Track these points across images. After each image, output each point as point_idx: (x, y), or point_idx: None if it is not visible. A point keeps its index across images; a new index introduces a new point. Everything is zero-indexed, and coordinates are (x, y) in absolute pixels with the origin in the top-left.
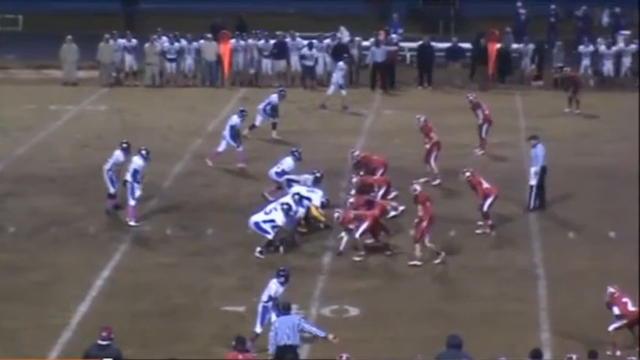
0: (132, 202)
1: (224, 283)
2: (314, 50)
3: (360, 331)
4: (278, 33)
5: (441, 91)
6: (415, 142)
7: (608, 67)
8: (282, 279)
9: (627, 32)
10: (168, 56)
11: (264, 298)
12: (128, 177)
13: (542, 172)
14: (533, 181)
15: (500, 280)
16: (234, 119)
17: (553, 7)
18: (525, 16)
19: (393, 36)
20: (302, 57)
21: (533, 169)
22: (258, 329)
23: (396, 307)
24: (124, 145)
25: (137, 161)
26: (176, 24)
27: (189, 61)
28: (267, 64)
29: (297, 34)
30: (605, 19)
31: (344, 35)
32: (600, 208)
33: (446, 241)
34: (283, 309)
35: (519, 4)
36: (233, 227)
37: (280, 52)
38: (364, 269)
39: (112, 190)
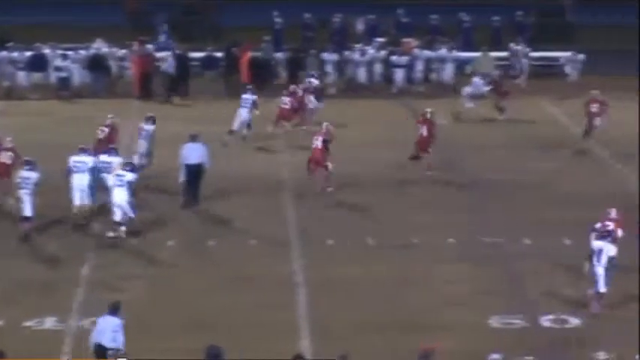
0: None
1: None
2: (68, 61)
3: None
4: (37, 45)
5: (198, 101)
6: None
7: (361, 74)
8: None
9: (382, 39)
10: None
11: None
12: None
13: (187, 171)
14: (181, 178)
15: (260, 288)
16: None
17: (308, 15)
18: (281, 25)
19: (149, 46)
20: (57, 68)
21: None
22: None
23: (155, 318)
24: None
25: None
26: None
27: None
28: (22, 76)
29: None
30: (360, 27)
31: (101, 46)
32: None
33: (208, 252)
34: (110, 308)
35: (275, 13)
36: None
37: (38, 63)
38: (125, 280)
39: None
